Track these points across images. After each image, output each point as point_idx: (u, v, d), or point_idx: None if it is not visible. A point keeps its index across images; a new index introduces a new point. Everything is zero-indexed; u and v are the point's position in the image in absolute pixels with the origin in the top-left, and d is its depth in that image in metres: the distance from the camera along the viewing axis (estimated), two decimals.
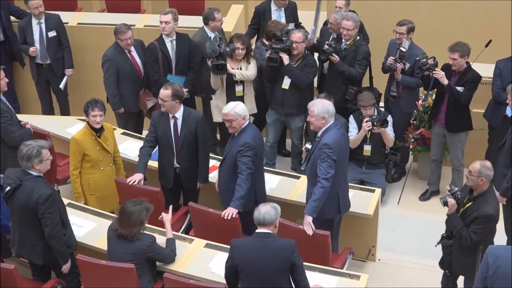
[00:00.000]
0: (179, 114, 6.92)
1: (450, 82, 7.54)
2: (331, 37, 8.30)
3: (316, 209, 6.18)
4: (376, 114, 7.89)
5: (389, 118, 7.95)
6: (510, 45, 8.34)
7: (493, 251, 5.25)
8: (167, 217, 6.23)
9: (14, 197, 5.93)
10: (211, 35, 8.28)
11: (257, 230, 5.48)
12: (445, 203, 6.05)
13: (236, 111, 6.49)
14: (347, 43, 8.11)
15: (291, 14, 8.85)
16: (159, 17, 8.22)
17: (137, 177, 6.79)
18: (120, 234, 5.77)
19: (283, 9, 8.77)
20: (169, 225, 6.20)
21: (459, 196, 6.06)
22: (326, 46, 8.01)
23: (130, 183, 6.75)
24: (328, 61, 8.19)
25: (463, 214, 6.07)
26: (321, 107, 6.34)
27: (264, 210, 5.43)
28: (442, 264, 6.43)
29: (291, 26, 8.23)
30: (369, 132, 7.92)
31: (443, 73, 7.56)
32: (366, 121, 7.72)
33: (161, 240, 6.06)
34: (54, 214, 5.86)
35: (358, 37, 8.16)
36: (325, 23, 8.70)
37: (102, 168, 7.04)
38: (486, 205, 5.94)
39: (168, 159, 7.04)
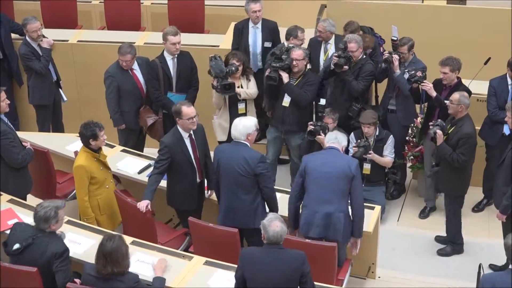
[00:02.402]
0: (193, 131, 6.93)
1: (438, 95, 7.58)
2: (331, 51, 8.31)
3: None
4: (377, 133, 7.92)
5: (390, 141, 7.98)
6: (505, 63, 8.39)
7: (489, 279, 5.35)
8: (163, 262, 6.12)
9: (24, 254, 5.87)
10: None
11: (266, 242, 5.51)
12: (435, 134, 7.15)
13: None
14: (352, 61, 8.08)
15: (269, 33, 8.70)
16: (164, 36, 8.14)
17: (144, 204, 6.67)
18: (110, 275, 5.52)
19: (259, 27, 8.64)
20: (163, 265, 6.10)
21: (444, 125, 7.21)
22: (336, 59, 7.89)
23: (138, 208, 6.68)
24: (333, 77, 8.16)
25: (447, 139, 7.20)
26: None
27: (275, 231, 5.44)
28: (436, 188, 7.85)
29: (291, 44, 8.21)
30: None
31: (431, 85, 7.61)
32: (354, 147, 7.82)
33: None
34: (67, 267, 5.84)
35: (364, 56, 8.16)
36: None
37: (107, 186, 7.04)
38: (464, 127, 7.15)
39: (192, 179, 6.98)
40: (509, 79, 7.75)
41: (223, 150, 6.78)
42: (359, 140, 7.83)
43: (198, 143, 6.96)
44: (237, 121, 6.74)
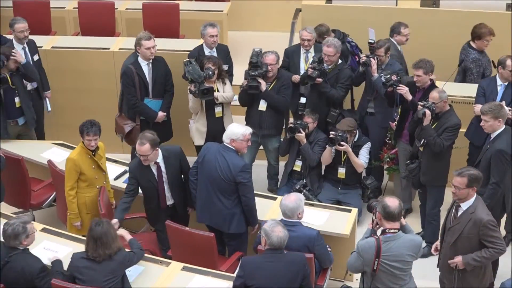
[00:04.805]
0: (159, 159, 6.81)
1: (414, 98, 7.64)
2: (311, 59, 8.33)
3: None
4: (356, 138, 7.98)
5: (367, 146, 8.03)
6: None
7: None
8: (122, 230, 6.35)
9: (4, 272, 5.85)
10: (397, 47, 8.52)
11: (269, 247, 5.60)
12: (423, 114, 7.15)
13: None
14: (329, 67, 8.13)
15: (225, 57, 8.60)
16: (138, 42, 8.09)
17: (112, 222, 6.58)
18: (102, 257, 5.73)
19: (215, 51, 8.53)
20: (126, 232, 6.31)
21: (433, 108, 7.18)
22: (310, 71, 7.99)
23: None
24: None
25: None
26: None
27: (278, 236, 5.57)
28: (413, 185, 7.71)
29: (257, 48, 8.19)
30: (344, 155, 7.98)
31: (406, 88, 7.66)
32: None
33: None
34: (49, 282, 5.82)
35: (340, 61, 8.21)
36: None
37: (98, 187, 7.04)
38: (453, 117, 7.27)
39: (158, 203, 6.94)
40: (498, 80, 7.79)
41: (210, 149, 6.82)
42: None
43: (168, 169, 6.85)
44: (231, 124, 6.87)
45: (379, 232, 5.74)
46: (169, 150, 6.91)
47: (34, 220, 6.13)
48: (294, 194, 6.34)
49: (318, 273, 6.50)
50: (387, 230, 5.66)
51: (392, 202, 5.64)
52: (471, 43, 8.46)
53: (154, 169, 6.82)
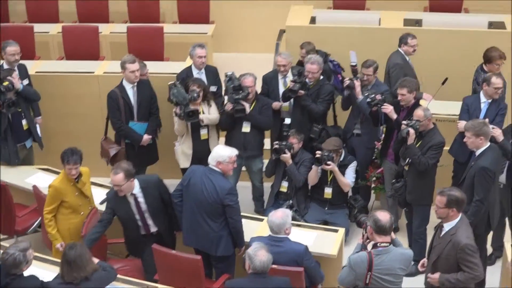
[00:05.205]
0: (136, 190, 6.70)
1: (398, 117, 7.70)
2: (291, 74, 8.38)
3: None
4: (342, 158, 8.01)
5: (353, 165, 8.07)
6: (470, 84, 8.55)
7: None
8: None
9: None
10: (405, 57, 8.66)
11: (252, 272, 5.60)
12: (407, 133, 7.25)
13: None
14: (311, 83, 8.19)
15: (213, 78, 8.64)
16: (122, 65, 8.12)
17: None
18: (78, 280, 5.65)
19: (203, 72, 8.56)
20: None
21: (417, 126, 7.27)
22: (291, 84, 8.07)
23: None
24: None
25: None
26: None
27: (261, 260, 5.58)
28: (400, 204, 7.81)
29: (229, 72, 8.19)
30: (331, 175, 8.01)
31: (391, 107, 7.73)
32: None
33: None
34: None
35: (321, 77, 8.28)
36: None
37: (82, 213, 7.03)
38: (436, 135, 7.38)
39: (137, 233, 6.87)
40: (482, 97, 7.85)
41: (196, 172, 6.81)
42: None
43: (148, 199, 6.75)
44: (217, 146, 6.90)
45: (369, 246, 5.76)
46: (146, 181, 6.81)
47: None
48: (280, 210, 6.40)
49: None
50: (378, 244, 5.69)
51: (384, 216, 5.68)
52: (484, 65, 8.45)
53: (131, 200, 6.73)
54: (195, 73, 8.51)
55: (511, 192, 7.40)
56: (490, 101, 7.79)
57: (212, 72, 8.67)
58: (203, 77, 8.50)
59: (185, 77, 8.43)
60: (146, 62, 8.68)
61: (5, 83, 8.03)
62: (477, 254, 5.91)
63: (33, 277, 5.91)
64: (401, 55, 8.68)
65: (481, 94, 7.86)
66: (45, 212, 6.94)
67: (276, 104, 8.36)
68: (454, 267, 5.91)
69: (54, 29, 10.69)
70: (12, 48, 8.52)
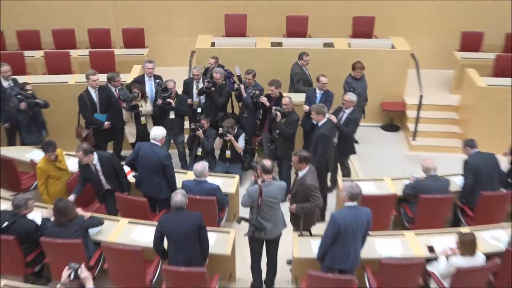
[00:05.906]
0: (95, 161, 6.54)
1: (271, 104, 7.84)
2: (201, 80, 8.33)
3: None
4: (236, 132, 8.03)
5: (242, 135, 8.10)
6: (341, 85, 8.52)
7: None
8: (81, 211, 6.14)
9: (11, 228, 5.75)
10: (302, 67, 8.49)
11: (174, 207, 5.43)
12: (276, 115, 7.37)
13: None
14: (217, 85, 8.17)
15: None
16: (87, 76, 7.94)
17: (70, 198, 6.51)
18: (65, 222, 5.62)
19: (152, 78, 8.39)
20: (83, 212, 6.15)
21: (283, 110, 7.32)
22: (206, 83, 8.06)
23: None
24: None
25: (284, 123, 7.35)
26: None
27: (177, 200, 5.42)
28: (273, 158, 7.40)
29: (157, 80, 8.10)
30: (229, 142, 8.05)
31: (265, 99, 7.87)
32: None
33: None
34: (40, 236, 5.71)
35: (224, 82, 8.27)
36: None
37: (63, 180, 6.92)
38: (293, 114, 7.35)
39: (100, 189, 6.70)
40: (317, 90, 8.00)
41: (142, 146, 6.74)
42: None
43: (103, 168, 6.58)
44: (153, 128, 6.73)
45: (259, 181, 5.75)
46: (102, 155, 6.66)
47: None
48: (201, 162, 6.50)
49: (219, 209, 6.63)
50: (265, 180, 5.71)
51: (267, 162, 5.73)
52: (352, 72, 8.42)
53: (92, 167, 6.62)
54: (147, 79, 8.38)
55: (338, 148, 7.61)
56: (322, 92, 8.03)
57: (159, 78, 8.53)
58: (152, 82, 8.36)
59: (139, 80, 8.34)
60: (104, 75, 8.49)
61: (29, 91, 7.74)
62: (317, 190, 5.86)
63: (31, 220, 5.82)
64: (299, 66, 8.62)
65: (316, 88, 8.03)
66: (38, 185, 6.82)
67: (190, 101, 8.33)
68: (305, 199, 5.92)
69: (39, 54, 10.26)
70: (6, 68, 8.19)
